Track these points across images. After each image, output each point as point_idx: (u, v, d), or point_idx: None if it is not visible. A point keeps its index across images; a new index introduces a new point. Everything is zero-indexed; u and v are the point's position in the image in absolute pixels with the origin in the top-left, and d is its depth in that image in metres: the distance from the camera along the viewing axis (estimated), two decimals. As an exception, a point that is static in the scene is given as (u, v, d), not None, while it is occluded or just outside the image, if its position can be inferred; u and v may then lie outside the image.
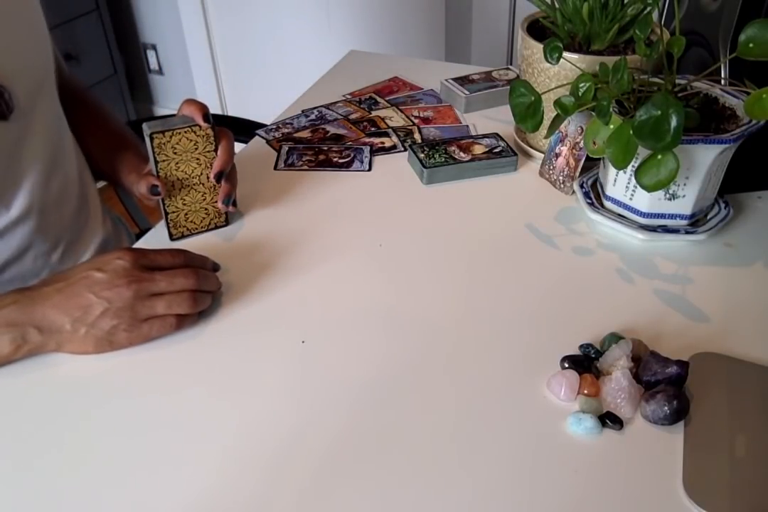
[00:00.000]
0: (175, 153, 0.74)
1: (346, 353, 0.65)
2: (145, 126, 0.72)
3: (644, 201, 0.76)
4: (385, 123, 1.03)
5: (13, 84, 0.72)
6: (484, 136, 0.95)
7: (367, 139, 0.99)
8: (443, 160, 0.90)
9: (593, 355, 0.63)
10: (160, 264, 0.67)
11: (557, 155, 0.87)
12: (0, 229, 0.77)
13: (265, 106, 1.48)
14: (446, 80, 1.09)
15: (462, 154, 0.91)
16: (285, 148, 0.97)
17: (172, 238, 0.80)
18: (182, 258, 0.68)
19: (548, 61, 0.76)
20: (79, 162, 0.87)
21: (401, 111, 1.06)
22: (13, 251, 0.79)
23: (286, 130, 1.01)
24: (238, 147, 0.90)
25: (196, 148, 0.75)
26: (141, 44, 2.51)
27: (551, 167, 0.88)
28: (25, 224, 0.78)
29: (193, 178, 0.77)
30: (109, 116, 0.95)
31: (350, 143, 0.98)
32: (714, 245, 0.78)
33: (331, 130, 1.01)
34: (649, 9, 0.80)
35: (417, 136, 1.00)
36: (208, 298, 0.68)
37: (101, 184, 0.95)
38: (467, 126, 1.02)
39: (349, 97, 1.11)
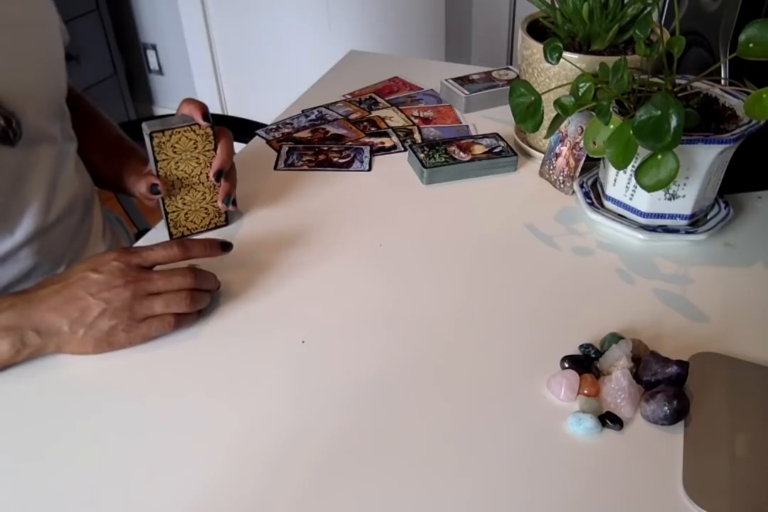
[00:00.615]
0: (174, 152, 0.74)
1: (345, 352, 0.65)
2: (144, 125, 0.72)
3: (644, 201, 0.76)
4: (385, 123, 1.03)
5: (24, 111, 0.72)
6: (484, 136, 0.95)
7: (367, 139, 0.99)
8: (443, 160, 0.90)
9: (593, 355, 0.63)
10: (155, 260, 0.66)
11: (557, 155, 0.87)
12: (4, 253, 0.76)
13: (265, 106, 1.48)
14: (446, 80, 1.09)
15: (462, 154, 0.91)
16: (285, 148, 0.97)
17: (171, 237, 0.80)
18: (178, 249, 0.67)
19: (548, 61, 0.76)
20: (81, 175, 0.87)
21: (401, 111, 1.06)
22: (17, 274, 0.78)
23: (286, 130, 1.01)
24: (238, 147, 0.90)
25: (196, 147, 0.75)
26: (141, 44, 2.51)
27: (551, 167, 0.88)
28: (30, 247, 0.78)
29: (192, 177, 0.77)
30: (108, 122, 0.95)
31: (350, 143, 0.98)
32: (714, 245, 0.78)
33: (331, 130, 1.01)
34: (649, 9, 0.80)
35: (417, 136, 1.00)
36: (206, 297, 0.68)
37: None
38: (467, 126, 1.02)
39: (349, 97, 1.11)
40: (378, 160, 0.95)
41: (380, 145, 0.98)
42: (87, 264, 0.65)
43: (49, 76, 0.79)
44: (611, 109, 0.70)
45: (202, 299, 0.67)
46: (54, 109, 0.80)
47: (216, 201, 0.79)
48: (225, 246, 0.71)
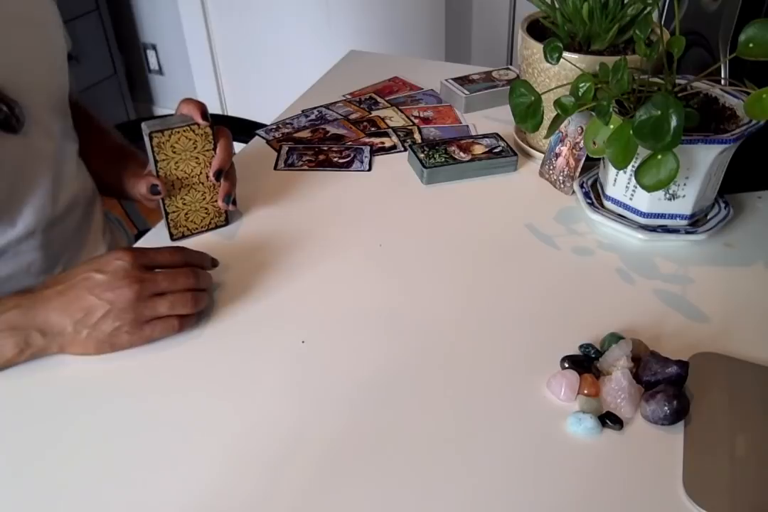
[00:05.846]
0: (174, 152, 0.74)
1: (346, 353, 0.65)
2: (144, 125, 0.72)
3: (644, 201, 0.76)
4: (385, 123, 1.03)
5: (26, 99, 0.73)
6: (484, 136, 0.95)
7: (367, 139, 0.99)
8: (443, 160, 0.90)
9: (593, 355, 0.63)
10: (159, 262, 0.66)
11: (557, 155, 0.87)
12: (5, 245, 0.76)
13: (265, 106, 1.48)
14: (446, 80, 1.09)
15: (462, 154, 0.91)
16: (285, 148, 0.97)
17: (172, 237, 0.80)
18: (181, 255, 0.68)
19: (548, 61, 0.76)
20: (83, 175, 0.87)
21: (401, 111, 1.06)
22: (16, 268, 0.78)
23: (286, 130, 1.01)
24: (238, 147, 0.90)
25: (195, 147, 0.75)
26: (141, 44, 2.51)
27: (551, 167, 0.88)
28: (30, 241, 0.78)
29: (192, 177, 0.77)
30: (108, 130, 0.96)
31: (350, 143, 0.98)
32: (714, 245, 0.78)
33: (331, 130, 1.01)
34: (649, 9, 0.80)
35: (417, 136, 1.00)
36: (206, 297, 0.68)
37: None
38: (467, 126, 1.02)
39: (349, 97, 1.11)
40: (378, 160, 0.95)
41: (380, 145, 0.98)
42: (91, 264, 0.65)
43: (53, 72, 0.79)
44: (611, 109, 0.70)
45: (203, 299, 0.68)
46: (57, 104, 0.80)
47: (216, 200, 0.79)
48: (213, 262, 0.73)
